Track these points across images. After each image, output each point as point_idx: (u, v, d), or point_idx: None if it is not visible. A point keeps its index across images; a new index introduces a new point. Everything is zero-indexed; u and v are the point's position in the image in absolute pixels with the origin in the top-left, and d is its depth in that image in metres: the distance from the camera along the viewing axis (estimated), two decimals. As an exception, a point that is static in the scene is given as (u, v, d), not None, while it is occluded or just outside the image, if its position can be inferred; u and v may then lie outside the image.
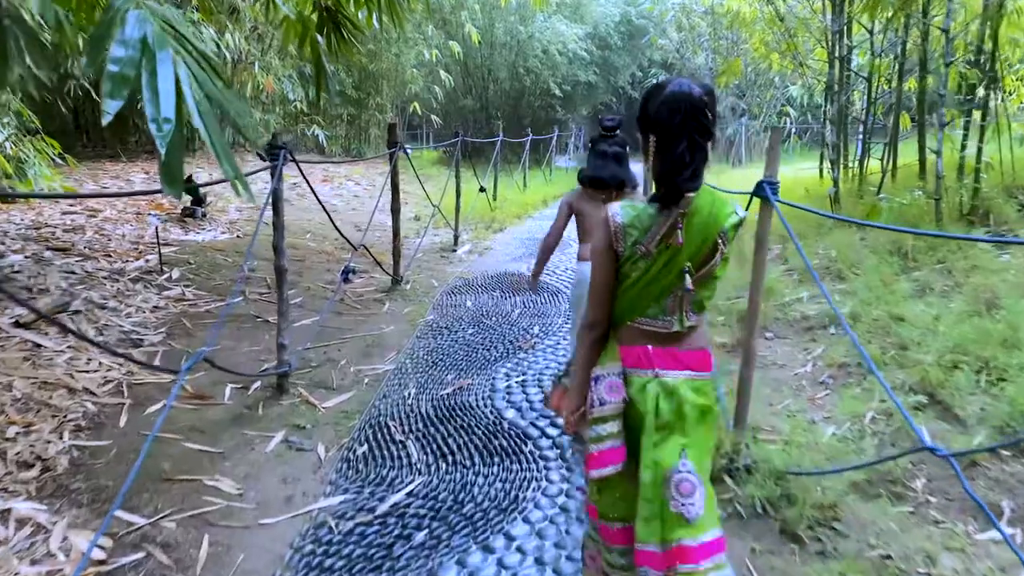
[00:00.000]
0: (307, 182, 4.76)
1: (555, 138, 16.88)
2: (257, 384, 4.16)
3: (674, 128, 1.68)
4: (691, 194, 1.72)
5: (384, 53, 17.97)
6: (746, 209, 2.04)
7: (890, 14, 8.31)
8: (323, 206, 5.05)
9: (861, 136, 10.17)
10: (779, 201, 2.84)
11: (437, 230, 9.54)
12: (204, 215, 8.10)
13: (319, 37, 5.31)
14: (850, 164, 9.72)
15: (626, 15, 20.85)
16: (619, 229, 1.75)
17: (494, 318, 5.65)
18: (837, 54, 8.55)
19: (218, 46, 11.58)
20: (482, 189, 9.81)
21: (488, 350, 4.87)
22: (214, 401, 3.94)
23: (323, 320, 5.22)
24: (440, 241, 8.90)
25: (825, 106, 10.59)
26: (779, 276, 6.35)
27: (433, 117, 18.43)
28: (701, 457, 1.80)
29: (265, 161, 4.00)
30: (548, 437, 3.55)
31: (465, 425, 3.68)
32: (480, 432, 3.60)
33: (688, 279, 1.75)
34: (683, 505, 1.72)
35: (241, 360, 4.56)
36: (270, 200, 3.95)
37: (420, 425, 3.68)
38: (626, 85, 22.46)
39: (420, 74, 18.10)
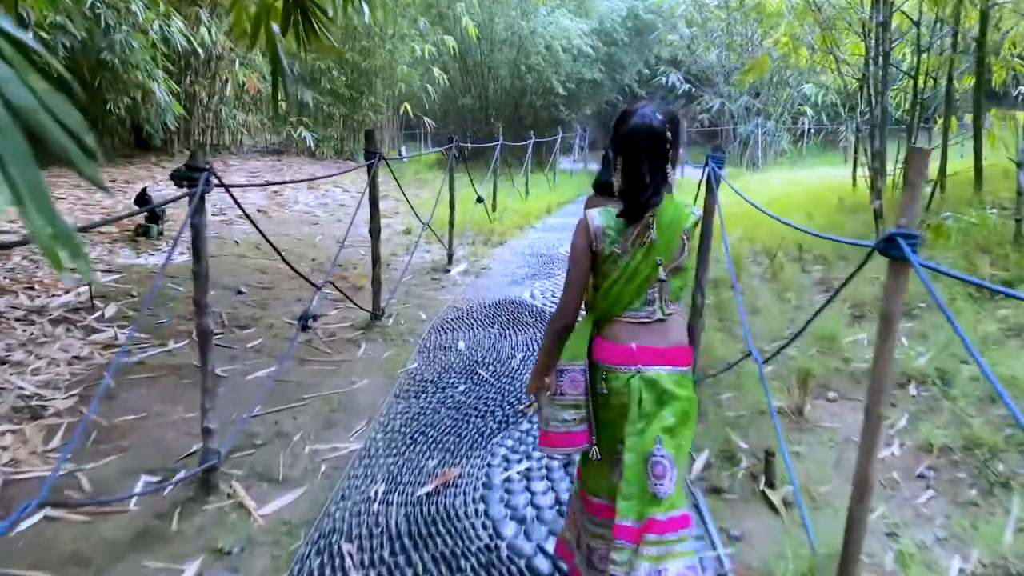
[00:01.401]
0: (241, 208, 3.73)
1: (559, 140, 15.90)
2: (179, 475, 3.17)
3: (636, 153, 1.95)
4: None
5: (378, 50, 16.98)
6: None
7: (951, 3, 7.34)
8: (263, 235, 4.05)
9: (905, 140, 9.11)
10: (925, 266, 1.82)
11: (429, 245, 8.56)
12: (161, 233, 7.12)
13: (275, 26, 4.31)
14: (891, 171, 8.73)
15: (633, 9, 19.84)
16: (598, 231, 1.99)
17: (491, 366, 4.66)
18: (880, 48, 7.54)
19: (189, 41, 10.59)
20: (480, 200, 8.82)
21: (483, 417, 3.88)
22: (114, 509, 2.94)
23: (280, 372, 4.23)
24: (432, 260, 7.91)
25: (861, 106, 9.60)
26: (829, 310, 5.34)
27: (426, 119, 17.37)
28: (677, 443, 1.96)
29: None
30: (561, 573, 2.55)
31: (447, 552, 2.68)
32: (469, 565, 2.61)
33: (662, 271, 1.98)
34: (656, 485, 1.90)
35: (169, 435, 3.58)
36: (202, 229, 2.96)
37: (386, 551, 2.69)
38: (633, 83, 21.44)
39: (416, 72, 17.09)
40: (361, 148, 18.03)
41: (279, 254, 3.99)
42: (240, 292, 5.99)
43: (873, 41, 7.64)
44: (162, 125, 12.45)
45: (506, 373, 4.54)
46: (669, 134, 1.95)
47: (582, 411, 2.05)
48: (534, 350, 4.96)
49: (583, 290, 2.05)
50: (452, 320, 5.69)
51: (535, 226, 10.86)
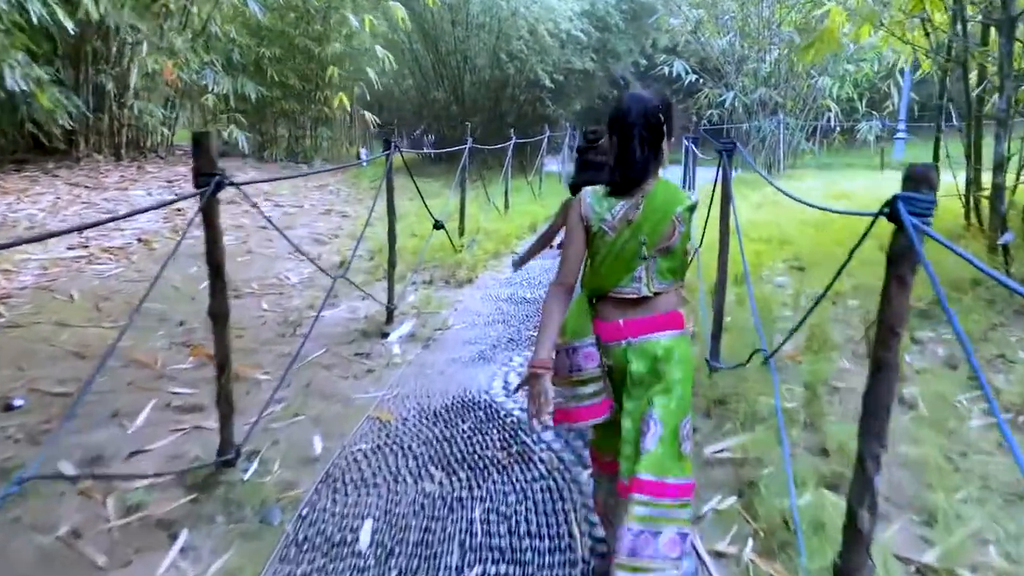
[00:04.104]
0: None
1: (545, 140, 13.53)
2: None
3: (628, 130, 2.00)
4: (648, 184, 2.03)
5: (334, 34, 14.51)
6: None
7: None
8: None
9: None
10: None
11: (371, 283, 6.15)
12: None
13: None
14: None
15: (629, -11, 17.50)
16: (588, 208, 2.06)
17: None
18: (994, 15, 5.23)
19: (51, 18, 8.09)
20: (438, 226, 6.38)
21: None
22: None
23: None
24: (366, 315, 5.49)
25: (948, 94, 7.27)
26: None
27: (367, 115, 14.86)
28: (668, 403, 2.01)
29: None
30: None
31: None
32: None
33: (646, 249, 2.02)
34: (645, 438, 1.98)
35: None
36: None
37: None
38: (628, 74, 19.03)
39: (376, 58, 14.58)
40: (317, 150, 15.67)
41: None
42: (10, 407, 3.57)
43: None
44: (57, 124, 9.98)
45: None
46: (662, 116, 2.00)
47: (600, 382, 2.10)
48: (503, 544, 2.58)
49: (580, 260, 2.11)
50: (364, 458, 3.29)
51: (516, 251, 8.44)
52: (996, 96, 6.52)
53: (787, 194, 3.04)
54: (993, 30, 6.34)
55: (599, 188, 2.08)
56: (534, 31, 15.87)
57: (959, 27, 6.16)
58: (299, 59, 14.71)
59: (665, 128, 2.02)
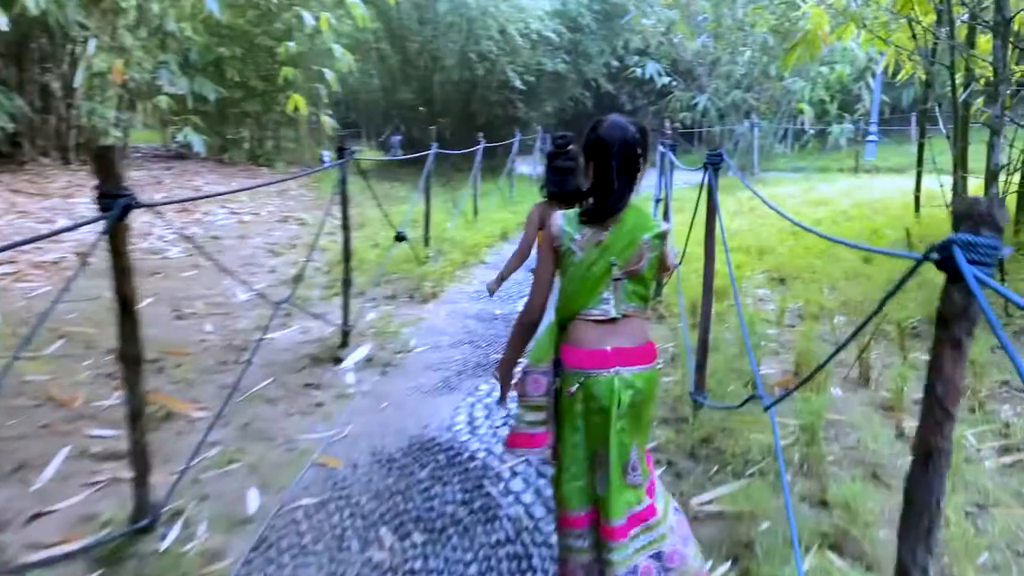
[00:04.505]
0: None
1: (516, 143, 13.14)
2: None
3: (607, 159, 2.01)
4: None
5: (296, 33, 13.99)
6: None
7: None
8: None
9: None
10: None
11: (324, 305, 5.72)
12: None
13: None
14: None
15: (602, -12, 17.15)
16: (559, 230, 2.06)
17: None
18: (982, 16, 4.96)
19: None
20: (400, 238, 5.95)
21: None
22: None
23: None
24: (319, 337, 5.05)
25: (928, 100, 7.00)
26: None
27: (325, 119, 14.34)
28: (643, 437, 2.12)
29: None
30: None
31: None
32: None
33: (615, 270, 2.02)
34: (630, 477, 2.06)
35: None
36: None
37: None
38: (601, 76, 18.67)
39: (342, 63, 14.06)
40: (280, 152, 15.13)
41: None
42: None
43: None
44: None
45: None
46: (639, 146, 2.02)
47: (542, 413, 2.09)
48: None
49: (551, 285, 2.11)
50: (305, 517, 2.86)
51: (486, 261, 8.06)
52: (982, 100, 6.27)
53: (799, 225, 2.68)
54: (979, 32, 6.09)
55: (571, 212, 2.09)
56: (504, 31, 15.48)
57: (946, 29, 5.88)
58: (261, 59, 14.18)
59: (641, 158, 2.05)
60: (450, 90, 17.25)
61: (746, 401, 2.87)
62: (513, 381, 2.23)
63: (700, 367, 3.49)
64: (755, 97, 14.65)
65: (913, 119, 19.93)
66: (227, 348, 4.73)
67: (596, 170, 2.04)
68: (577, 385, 2.01)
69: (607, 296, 2.04)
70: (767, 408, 2.54)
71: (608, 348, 2.01)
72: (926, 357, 4.37)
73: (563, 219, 2.07)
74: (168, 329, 4.97)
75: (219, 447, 3.38)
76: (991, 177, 4.85)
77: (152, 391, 3.91)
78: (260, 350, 4.55)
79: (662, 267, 2.16)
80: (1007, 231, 5.42)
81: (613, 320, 2.04)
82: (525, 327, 2.14)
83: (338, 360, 4.64)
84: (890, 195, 9.22)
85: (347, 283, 4.77)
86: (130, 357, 2.55)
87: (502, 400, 2.27)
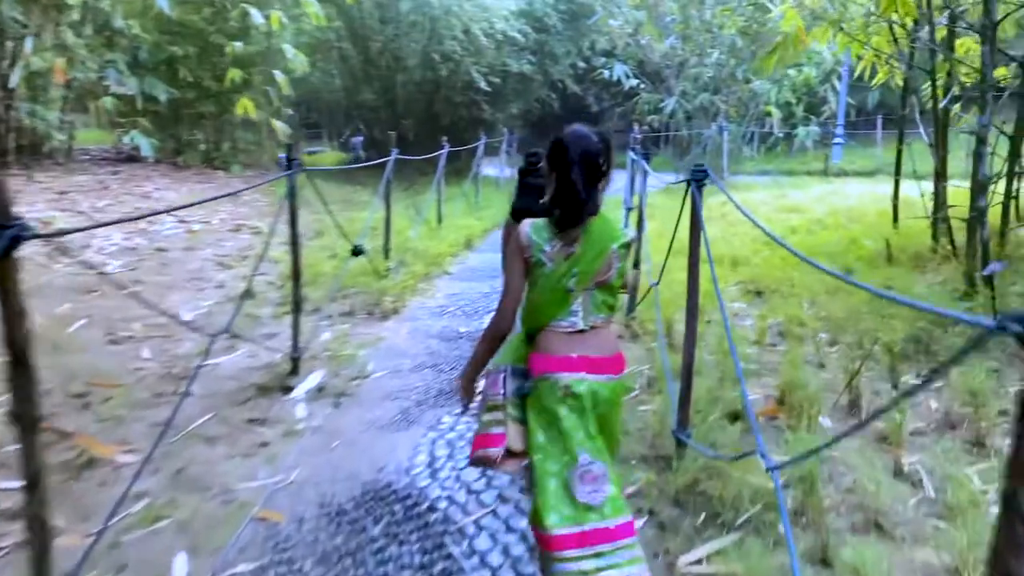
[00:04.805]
0: None
1: (481, 146, 12.78)
2: None
3: (569, 165, 1.99)
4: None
5: (253, 32, 13.47)
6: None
7: None
8: None
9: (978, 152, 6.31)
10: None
11: (275, 325, 5.32)
12: None
13: None
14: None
15: (567, -12, 16.86)
16: (528, 241, 2.05)
17: None
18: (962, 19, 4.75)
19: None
20: (357, 252, 5.55)
21: None
22: None
23: None
24: (267, 363, 4.64)
25: (905, 106, 6.80)
26: None
27: (277, 124, 13.82)
28: (608, 448, 2.06)
29: None
30: None
31: None
32: None
33: (577, 282, 2.02)
34: (588, 494, 1.94)
35: None
36: None
37: None
38: (566, 78, 18.38)
39: (287, 58, 13.56)
40: (237, 155, 14.58)
41: None
42: None
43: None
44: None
45: None
46: (602, 155, 2.02)
47: (499, 413, 2.07)
48: None
49: (519, 295, 2.09)
50: (239, 591, 2.50)
51: (450, 272, 7.70)
52: (959, 105, 6.08)
53: (799, 257, 2.38)
54: (958, 36, 5.89)
55: (539, 220, 2.08)
56: (468, 31, 15.12)
57: (925, 30, 5.67)
58: (216, 58, 13.63)
59: (604, 167, 2.04)
60: (413, 91, 16.83)
61: (743, 456, 2.55)
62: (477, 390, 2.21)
63: (684, 402, 3.17)
64: (723, 100, 14.45)
65: (879, 122, 19.98)
66: (165, 377, 4.31)
67: (559, 180, 2.02)
68: (535, 384, 2.04)
69: (576, 308, 2.04)
70: (770, 470, 2.23)
71: (574, 355, 2.02)
72: (916, 381, 4.13)
73: (531, 229, 2.06)
74: (100, 356, 4.53)
75: (146, 500, 2.98)
76: (979, 188, 4.62)
77: (74, 433, 3.51)
78: (201, 379, 4.16)
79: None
80: (992, 243, 5.22)
81: (581, 331, 2.05)
82: (496, 338, 2.12)
83: (287, 389, 4.25)
84: (864, 202, 9.03)
85: (297, 305, 4.38)
86: (26, 418, 2.15)
87: (464, 411, 2.35)
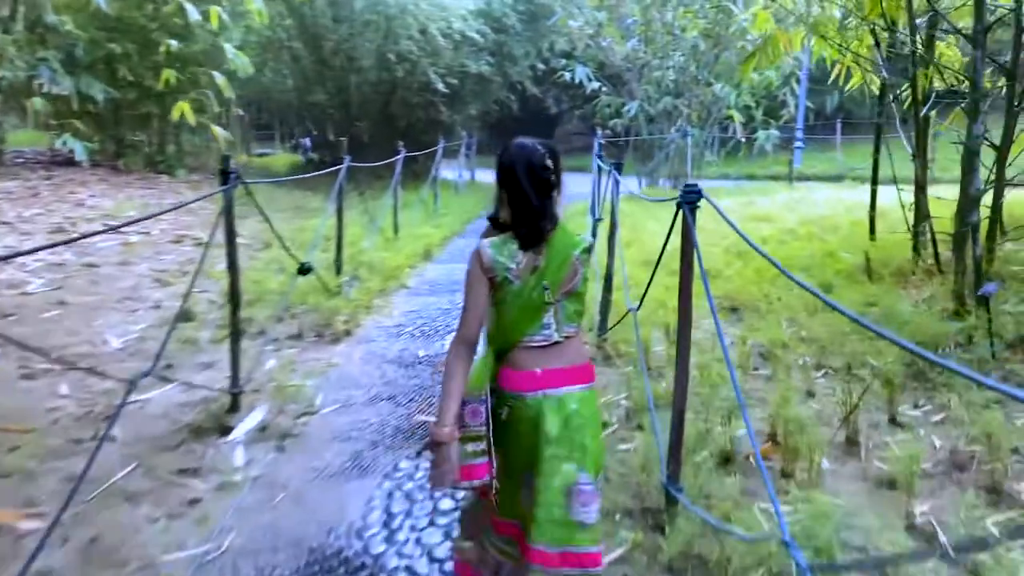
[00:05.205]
0: None
1: (440, 151, 12.33)
2: None
3: (519, 181, 1.96)
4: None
5: (199, 30, 12.82)
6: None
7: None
8: None
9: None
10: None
11: (215, 351, 4.83)
12: None
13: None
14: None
15: (526, -12, 16.48)
16: (491, 260, 1.98)
17: None
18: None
19: None
20: (304, 270, 5.08)
21: None
22: None
23: None
24: (203, 399, 4.15)
25: (882, 113, 6.56)
26: None
27: (216, 129, 13.15)
28: (594, 466, 2.00)
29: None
30: None
31: None
32: None
33: (548, 294, 1.99)
34: (581, 512, 1.93)
35: None
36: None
37: None
38: (527, 80, 18.01)
39: (239, 64, 12.96)
40: (182, 158, 13.90)
41: None
42: None
43: None
44: None
45: None
46: (550, 162, 1.99)
47: (482, 443, 2.02)
48: None
49: (482, 314, 2.02)
50: None
51: (408, 286, 7.26)
52: (935, 112, 5.87)
53: (802, 285, 2.02)
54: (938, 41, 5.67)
55: (497, 239, 2.03)
56: (425, 31, 14.65)
57: (903, 34, 5.42)
58: (157, 57, 12.93)
59: (554, 178, 2.01)
60: (368, 92, 16.29)
61: (759, 538, 2.19)
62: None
63: (674, 449, 2.80)
64: (686, 103, 14.22)
65: (838, 126, 20.07)
66: (84, 419, 3.81)
67: (511, 197, 1.99)
68: (507, 409, 2.01)
69: (548, 320, 2.02)
70: (786, 545, 1.87)
71: (538, 370, 2.00)
72: (915, 413, 3.83)
73: (492, 248, 2.01)
74: (10, 393, 4.01)
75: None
76: (971, 203, 4.35)
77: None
78: (126, 420, 3.69)
79: None
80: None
81: (556, 343, 2.03)
82: (464, 370, 1.98)
83: (226, 430, 3.79)
84: (836, 210, 8.81)
85: (236, 335, 3.91)
86: None
87: (441, 455, 1.99)
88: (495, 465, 2.03)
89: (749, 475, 3.29)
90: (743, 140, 15.17)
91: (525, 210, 1.98)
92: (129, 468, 3.33)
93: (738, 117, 14.48)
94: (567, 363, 2.03)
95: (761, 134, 16.09)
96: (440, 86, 15.23)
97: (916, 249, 5.66)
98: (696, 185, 2.74)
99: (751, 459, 3.44)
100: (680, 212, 2.79)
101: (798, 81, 17.47)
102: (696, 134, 14.16)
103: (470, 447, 2.01)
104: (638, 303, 4.13)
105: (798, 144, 17.86)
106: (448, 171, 16.44)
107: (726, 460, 3.41)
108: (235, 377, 3.95)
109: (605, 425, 3.86)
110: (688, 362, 2.86)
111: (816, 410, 3.94)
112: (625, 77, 15.46)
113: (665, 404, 4.03)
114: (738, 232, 2.61)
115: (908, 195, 5.87)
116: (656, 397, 3.87)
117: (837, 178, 14.94)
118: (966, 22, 5.34)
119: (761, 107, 16.26)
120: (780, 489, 3.15)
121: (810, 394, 4.17)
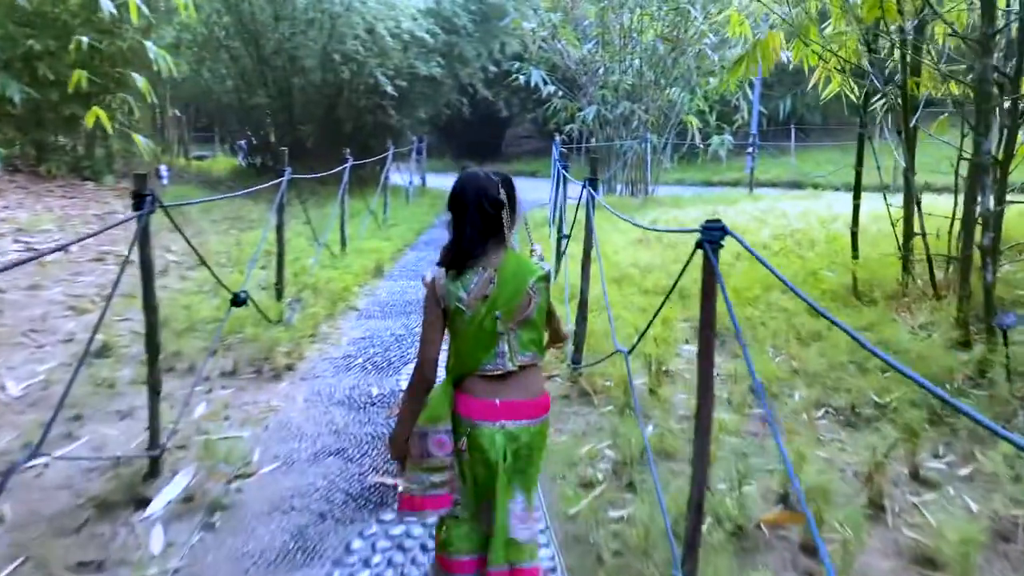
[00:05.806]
0: None
1: (390, 158, 11.70)
2: None
3: (464, 207, 2.00)
4: (497, 257, 2.02)
5: (124, 29, 11.94)
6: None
7: None
8: None
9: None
10: None
11: (135, 395, 4.17)
12: None
13: None
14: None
15: (478, -12, 15.94)
16: (443, 290, 2.01)
17: None
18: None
19: None
20: (239, 301, 4.43)
21: None
22: None
23: None
24: (118, 459, 3.50)
25: (863, 123, 6.21)
26: None
27: (138, 137, 12.26)
28: (531, 486, 2.07)
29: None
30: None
31: None
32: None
33: (499, 323, 1.99)
34: (517, 530, 1.99)
35: None
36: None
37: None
38: (479, 82, 17.46)
39: (174, 61, 12.11)
40: (111, 163, 12.96)
41: None
42: None
43: None
44: None
45: None
46: (503, 192, 2.01)
47: (446, 473, 2.03)
48: None
49: (439, 346, 2.05)
50: None
51: (358, 308, 6.64)
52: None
53: (819, 311, 1.53)
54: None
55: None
56: (372, 30, 13.98)
57: (896, 42, 5.06)
58: (83, 55, 11.99)
59: (505, 211, 2.01)
60: (312, 94, 15.54)
61: None
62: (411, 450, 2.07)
63: (691, 547, 2.29)
64: (643, 108, 13.84)
65: (792, 132, 20.05)
66: (-37, 493, 3.12)
67: (455, 223, 2.03)
68: (465, 438, 2.00)
69: (502, 349, 2.01)
70: None
71: (496, 401, 2.00)
72: (939, 465, 3.41)
73: (443, 278, 2.03)
74: None
75: None
76: (984, 224, 3.97)
77: None
78: (17, 493, 3.05)
79: (554, 331, 2.22)
80: (975, 282, 4.61)
81: (510, 373, 2.01)
82: (422, 394, 2.04)
83: (142, 503, 3.15)
84: (808, 223, 8.48)
85: (155, 390, 3.27)
86: None
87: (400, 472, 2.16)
88: (458, 495, 2.05)
89: (765, 549, 2.82)
90: (701, 146, 14.87)
91: (459, 236, 2.01)
92: (14, 564, 2.69)
93: (695, 123, 14.18)
94: (526, 396, 2.03)
95: (716, 140, 15.86)
96: (388, 88, 14.57)
97: (906, 268, 5.30)
98: (720, 222, 2.26)
99: (763, 528, 2.97)
100: (700, 249, 2.29)
101: (751, 86, 17.34)
102: (654, 140, 13.81)
103: (436, 477, 2.01)
104: (629, 348, 3.61)
105: (750, 151, 17.73)
106: (397, 176, 15.78)
107: (738, 529, 2.93)
108: (154, 437, 3.31)
109: (591, 484, 3.37)
110: (709, 437, 2.36)
111: (825, 459, 3.50)
112: (580, 81, 15.03)
113: (658, 454, 3.57)
114: (775, 274, 2.13)
115: (876, 203, 5.50)
116: (654, 447, 3.38)
117: (795, 185, 14.79)
118: (959, 27, 5.03)
119: (715, 112, 16.03)
120: (804, 571, 2.68)
121: (818, 440, 3.73)
